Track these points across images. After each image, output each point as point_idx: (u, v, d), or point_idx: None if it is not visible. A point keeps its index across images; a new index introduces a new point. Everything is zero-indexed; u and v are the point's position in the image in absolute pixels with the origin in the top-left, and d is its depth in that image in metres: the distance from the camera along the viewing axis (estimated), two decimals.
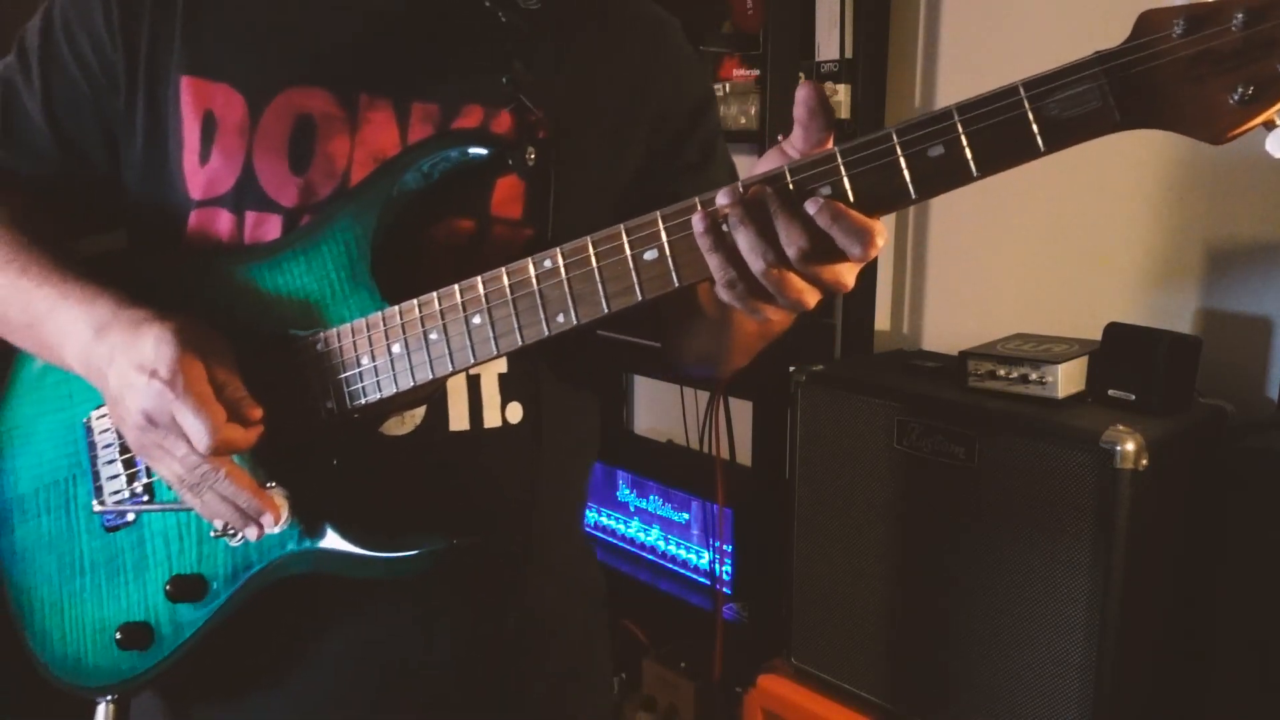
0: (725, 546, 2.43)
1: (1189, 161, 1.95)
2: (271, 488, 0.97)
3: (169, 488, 0.97)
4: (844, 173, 0.79)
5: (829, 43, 2.33)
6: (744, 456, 2.41)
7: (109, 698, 1.07)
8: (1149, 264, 2.02)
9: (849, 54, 2.30)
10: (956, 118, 0.76)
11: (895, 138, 0.78)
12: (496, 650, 1.07)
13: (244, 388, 0.92)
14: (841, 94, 2.31)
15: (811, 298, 0.82)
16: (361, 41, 1.03)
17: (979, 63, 2.24)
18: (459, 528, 0.97)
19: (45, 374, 1.10)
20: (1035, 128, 0.75)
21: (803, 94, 0.81)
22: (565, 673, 1.16)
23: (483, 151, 0.96)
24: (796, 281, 0.81)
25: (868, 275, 2.27)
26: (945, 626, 1.83)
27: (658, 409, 2.95)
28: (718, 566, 2.43)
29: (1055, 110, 0.74)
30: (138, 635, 1.03)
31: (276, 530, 0.97)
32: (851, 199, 0.79)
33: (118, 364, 0.91)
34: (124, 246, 1.10)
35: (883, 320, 2.45)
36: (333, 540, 0.97)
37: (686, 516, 2.53)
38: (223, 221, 1.02)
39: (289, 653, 1.06)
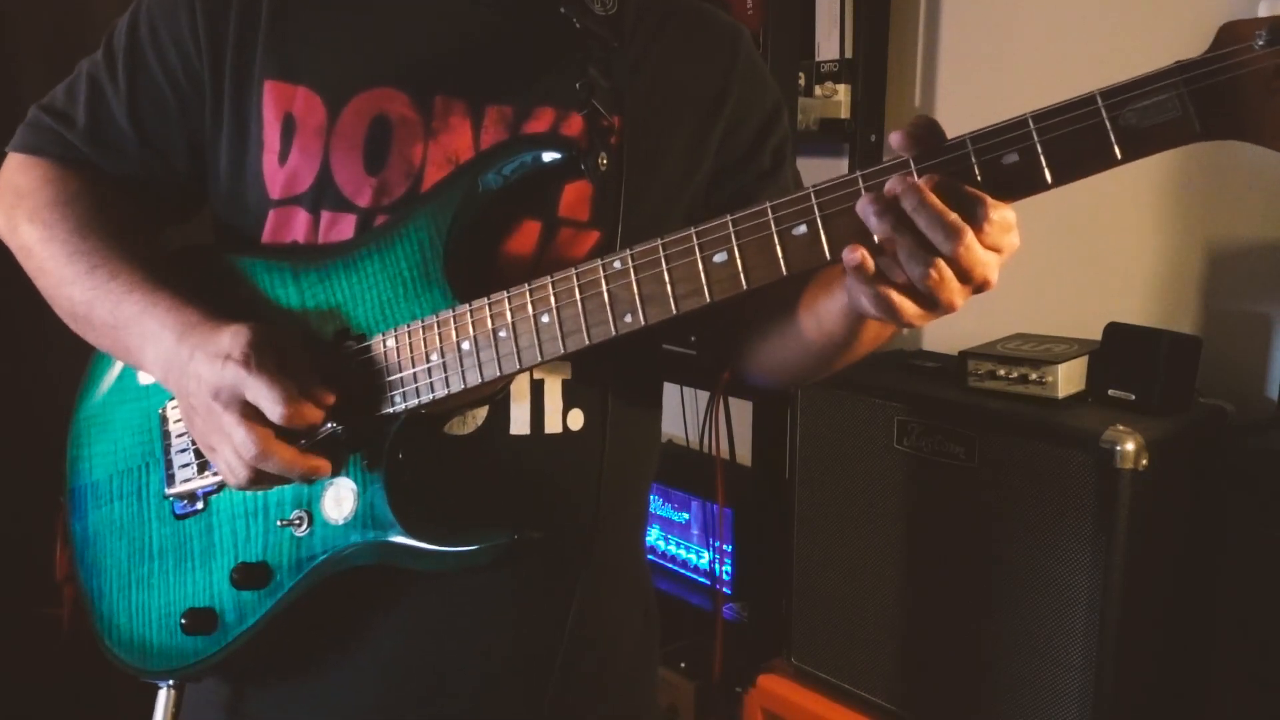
0: (725, 546, 2.43)
1: (1189, 162, 1.94)
2: (331, 430, 0.97)
3: (222, 477, 0.98)
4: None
5: (829, 43, 2.33)
6: (744, 456, 2.40)
7: (170, 682, 1.10)
8: (1149, 264, 2.02)
9: (849, 54, 2.31)
10: (1032, 125, 0.76)
11: (970, 145, 0.78)
12: (551, 659, 1.07)
13: (317, 377, 0.94)
14: (841, 94, 2.31)
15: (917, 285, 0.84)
16: (437, 45, 1.04)
17: (978, 63, 2.24)
18: (518, 527, 0.97)
19: (124, 365, 1.12)
20: (1112, 136, 0.74)
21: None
22: (617, 690, 1.17)
23: (557, 155, 0.96)
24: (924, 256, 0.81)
25: None
26: (945, 626, 1.83)
27: None
28: (718, 566, 2.43)
29: (1133, 119, 0.74)
30: (202, 620, 1.05)
31: (341, 523, 0.99)
32: None
33: (195, 359, 0.94)
34: (203, 241, 1.13)
35: None
36: (396, 533, 0.98)
37: (686, 516, 2.53)
38: (299, 221, 1.03)
39: (342, 646, 1.06)
